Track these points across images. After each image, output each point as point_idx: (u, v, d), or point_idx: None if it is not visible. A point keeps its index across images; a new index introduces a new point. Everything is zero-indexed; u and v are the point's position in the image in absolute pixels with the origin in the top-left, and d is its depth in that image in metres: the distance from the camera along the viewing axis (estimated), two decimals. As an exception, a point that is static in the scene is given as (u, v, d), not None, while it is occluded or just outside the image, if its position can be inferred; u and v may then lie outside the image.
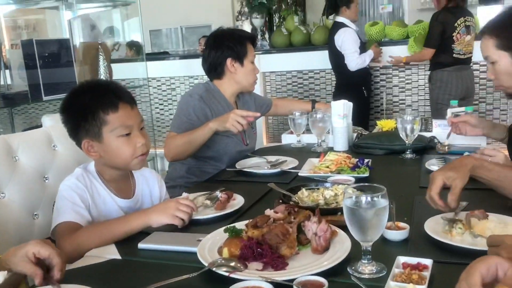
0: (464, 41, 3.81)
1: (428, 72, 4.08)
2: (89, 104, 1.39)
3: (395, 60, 4.23)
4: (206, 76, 2.31)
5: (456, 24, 3.78)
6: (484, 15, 4.32)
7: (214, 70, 2.24)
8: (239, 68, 2.22)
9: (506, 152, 1.76)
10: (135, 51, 4.69)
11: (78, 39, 3.62)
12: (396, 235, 1.18)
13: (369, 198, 1.01)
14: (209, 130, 2.00)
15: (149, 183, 1.59)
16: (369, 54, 4.10)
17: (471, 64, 3.99)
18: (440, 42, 3.83)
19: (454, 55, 3.83)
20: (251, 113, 2.01)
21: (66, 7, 3.18)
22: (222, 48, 2.20)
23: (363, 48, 4.13)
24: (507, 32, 1.59)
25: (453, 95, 3.77)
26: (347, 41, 4.00)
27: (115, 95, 1.40)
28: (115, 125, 1.39)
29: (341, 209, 1.25)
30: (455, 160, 1.38)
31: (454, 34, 3.79)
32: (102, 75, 3.31)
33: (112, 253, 1.24)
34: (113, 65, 3.69)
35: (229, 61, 2.20)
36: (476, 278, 0.69)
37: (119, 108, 1.39)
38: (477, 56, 4.06)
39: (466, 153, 1.77)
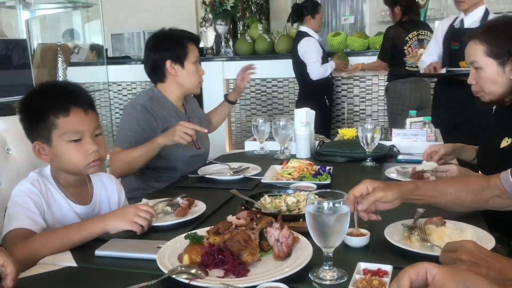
0: (417, 54, 3.92)
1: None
2: (41, 106, 1.35)
3: (352, 68, 4.37)
4: None
5: (407, 38, 3.93)
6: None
7: (155, 73, 2.16)
8: (179, 70, 2.13)
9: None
10: (96, 54, 4.59)
11: (36, 40, 3.50)
12: (357, 242, 1.19)
13: (330, 204, 1.02)
14: (157, 146, 1.93)
15: (107, 188, 1.54)
16: (331, 65, 4.18)
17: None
18: (391, 55, 3.98)
19: (407, 67, 3.96)
20: (198, 128, 1.93)
21: (23, 7, 3.07)
22: (160, 50, 2.12)
23: (325, 57, 4.19)
24: (499, 40, 1.59)
25: (406, 105, 3.90)
26: (309, 50, 4.05)
27: (68, 99, 1.35)
28: (65, 129, 1.34)
29: (303, 216, 1.25)
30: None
31: (406, 47, 3.92)
32: (61, 77, 3.21)
33: (67, 260, 1.19)
34: (73, 68, 3.59)
35: (168, 63, 2.12)
36: (405, 280, 0.74)
37: (70, 113, 1.34)
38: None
39: (424, 162, 1.82)
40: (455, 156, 1.93)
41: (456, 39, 2.94)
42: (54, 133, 1.34)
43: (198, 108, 2.44)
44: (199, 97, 4.91)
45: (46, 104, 1.34)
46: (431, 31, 4.01)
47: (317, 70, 4.04)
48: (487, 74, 1.63)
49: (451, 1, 7.09)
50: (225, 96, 2.63)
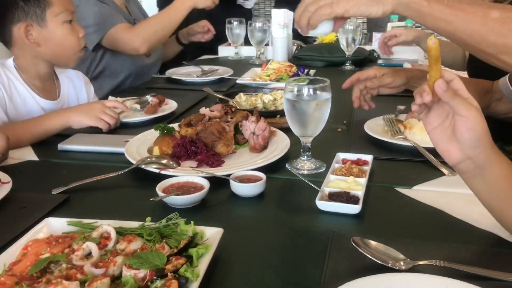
0: None
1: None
2: None
3: None
4: None
5: None
6: None
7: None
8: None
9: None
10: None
11: None
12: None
13: (311, 91, 0.95)
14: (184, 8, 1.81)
15: (75, 85, 1.44)
16: None
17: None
18: None
19: None
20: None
21: None
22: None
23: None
24: None
25: None
26: None
27: None
28: (60, 8, 1.26)
29: (280, 112, 1.19)
30: None
31: None
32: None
33: (28, 154, 1.11)
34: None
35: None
36: None
37: None
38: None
39: (406, 64, 1.76)
40: (415, 44, 1.84)
41: None
42: (48, 12, 1.25)
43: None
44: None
45: None
46: None
47: None
48: None
49: None
50: (177, 35, 2.22)
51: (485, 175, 0.66)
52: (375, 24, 3.40)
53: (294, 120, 0.97)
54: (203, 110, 1.15)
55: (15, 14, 1.23)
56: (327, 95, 0.95)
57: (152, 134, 1.11)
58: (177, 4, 1.78)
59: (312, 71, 1.79)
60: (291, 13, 2.14)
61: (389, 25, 2.22)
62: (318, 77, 0.99)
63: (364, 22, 4.30)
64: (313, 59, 2.07)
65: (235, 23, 2.19)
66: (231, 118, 1.14)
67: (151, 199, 0.82)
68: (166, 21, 1.79)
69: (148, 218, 0.71)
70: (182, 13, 1.78)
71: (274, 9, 2.12)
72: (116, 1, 1.90)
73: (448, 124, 0.65)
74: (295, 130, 0.98)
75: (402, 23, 2.23)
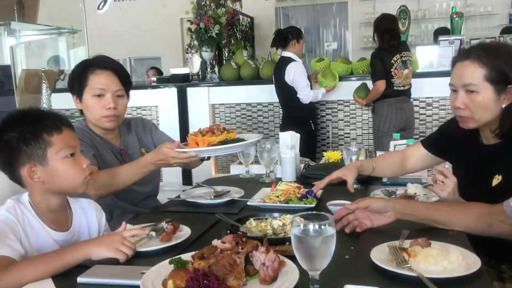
0: (403, 74, 4.08)
1: (370, 107, 4.29)
2: (31, 127, 1.35)
3: (357, 102, 4.42)
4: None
5: (392, 61, 4.04)
6: (423, 53, 4.59)
7: None
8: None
9: None
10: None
11: (20, 67, 3.49)
12: None
13: (316, 226, 1.01)
14: (147, 168, 1.82)
15: (87, 214, 1.53)
16: (322, 91, 4.23)
17: (411, 97, 4.21)
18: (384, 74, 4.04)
19: (395, 88, 4.07)
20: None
21: (8, 34, 3.07)
22: None
23: (310, 82, 4.24)
24: (500, 66, 1.48)
25: (393, 124, 4.03)
26: (298, 75, 4.08)
27: (57, 119, 1.40)
28: (60, 146, 1.36)
29: (289, 239, 1.24)
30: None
31: (392, 69, 4.04)
32: (45, 104, 3.19)
33: (48, 287, 1.16)
34: (57, 95, 3.57)
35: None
36: None
37: (62, 130, 1.38)
38: (416, 92, 4.30)
39: (409, 184, 1.83)
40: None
41: None
42: (49, 152, 1.35)
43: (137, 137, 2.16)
44: (185, 123, 4.93)
45: (37, 124, 1.36)
46: (410, 51, 4.17)
47: (308, 95, 4.08)
48: (483, 100, 1.50)
49: (431, 28, 7.31)
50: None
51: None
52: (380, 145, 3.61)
53: (301, 255, 1.02)
54: (215, 242, 1.21)
55: (19, 157, 1.35)
56: (331, 230, 1.02)
57: (166, 267, 1.16)
58: (142, 165, 1.83)
59: (319, 193, 1.86)
60: (297, 135, 2.29)
61: (392, 143, 2.34)
62: (322, 213, 1.06)
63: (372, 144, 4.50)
64: (320, 177, 2.15)
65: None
66: (242, 248, 1.19)
67: None
68: (125, 179, 1.83)
69: None
70: (141, 176, 1.85)
71: (281, 132, 2.26)
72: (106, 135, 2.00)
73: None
74: (303, 264, 1.03)
75: (404, 141, 2.36)
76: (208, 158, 1.95)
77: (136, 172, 1.84)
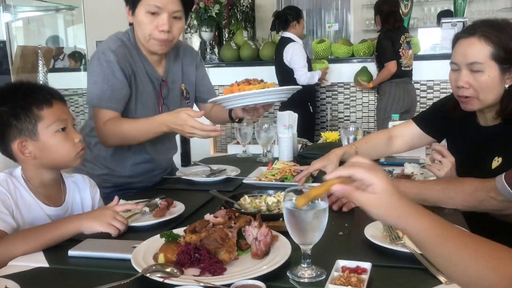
0: (408, 55, 4.08)
1: (370, 91, 4.25)
2: (22, 101, 1.33)
3: (362, 86, 4.36)
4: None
5: (400, 41, 4.03)
6: (425, 36, 4.54)
7: None
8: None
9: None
10: (76, 60, 4.55)
11: (15, 43, 3.45)
12: None
13: (309, 200, 1.00)
14: (160, 130, 1.67)
15: (80, 190, 1.51)
16: (318, 73, 4.20)
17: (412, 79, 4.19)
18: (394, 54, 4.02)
19: (402, 68, 4.05)
20: (211, 133, 1.61)
21: (3, 9, 3.02)
22: None
23: (309, 64, 4.20)
24: (509, 44, 1.41)
25: (400, 105, 4.02)
26: (296, 55, 4.05)
27: (47, 92, 1.37)
28: (50, 120, 1.34)
29: (283, 215, 1.23)
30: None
31: (400, 50, 4.02)
32: (41, 81, 3.16)
33: (39, 260, 1.15)
34: (56, 74, 3.54)
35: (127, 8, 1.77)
36: None
37: (53, 104, 1.36)
38: (417, 75, 4.27)
39: (406, 164, 1.82)
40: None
41: None
42: (39, 126, 1.33)
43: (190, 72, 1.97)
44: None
45: (27, 98, 1.33)
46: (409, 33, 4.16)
47: (305, 75, 4.05)
48: (488, 79, 1.44)
49: (433, 11, 7.22)
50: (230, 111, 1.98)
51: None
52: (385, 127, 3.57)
53: (293, 229, 1.01)
54: (208, 217, 1.20)
55: (10, 132, 1.33)
56: (324, 204, 1.00)
57: (158, 241, 1.15)
58: (155, 124, 1.68)
59: (315, 171, 1.85)
60: (295, 114, 2.27)
61: (391, 123, 2.32)
62: (315, 186, 1.04)
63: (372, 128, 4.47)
64: (317, 157, 2.13)
65: (244, 123, 2.30)
66: (235, 223, 1.18)
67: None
68: (136, 135, 1.72)
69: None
70: (153, 135, 1.72)
71: (279, 111, 2.24)
72: (148, 57, 1.81)
73: None
74: (295, 238, 1.02)
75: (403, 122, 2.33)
76: (240, 120, 1.83)
77: (148, 130, 1.69)
